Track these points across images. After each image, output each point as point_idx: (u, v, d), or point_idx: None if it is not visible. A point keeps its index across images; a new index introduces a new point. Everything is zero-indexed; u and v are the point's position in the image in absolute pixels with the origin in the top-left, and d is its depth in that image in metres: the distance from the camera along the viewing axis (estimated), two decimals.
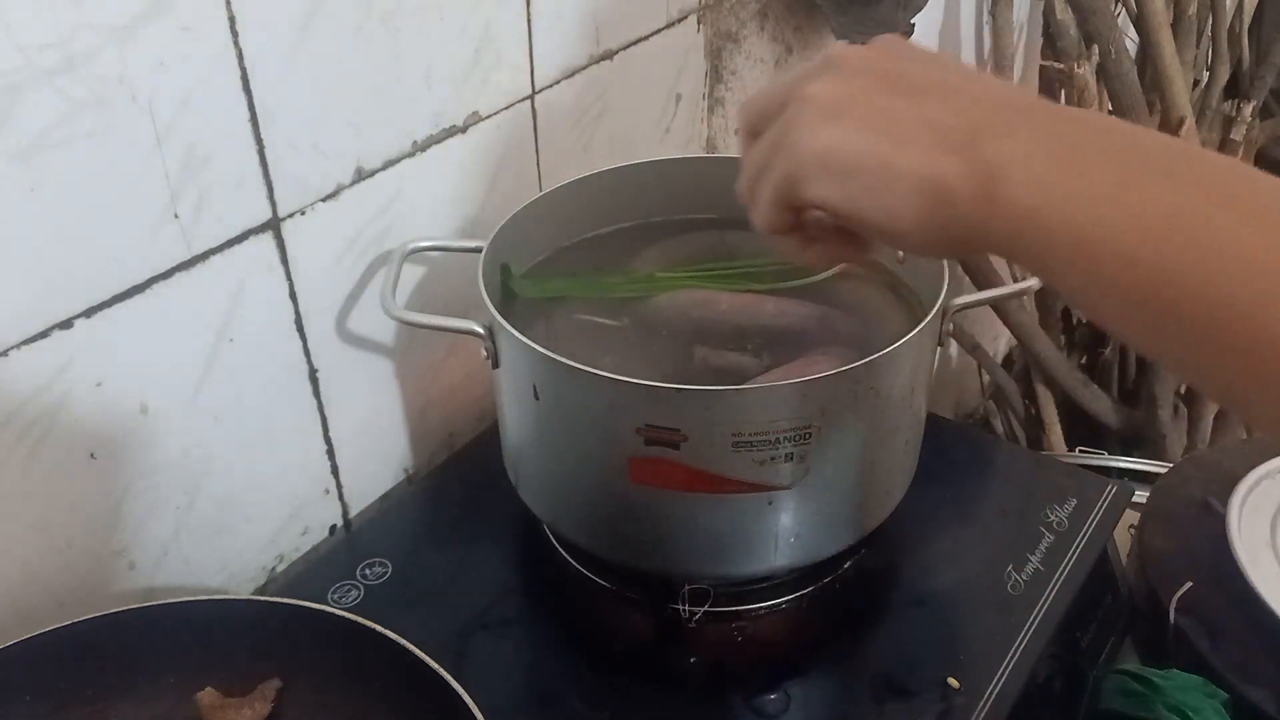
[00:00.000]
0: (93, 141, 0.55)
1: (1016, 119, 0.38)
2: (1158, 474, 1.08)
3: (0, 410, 0.57)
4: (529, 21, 0.77)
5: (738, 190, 0.47)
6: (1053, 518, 0.77)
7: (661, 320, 0.71)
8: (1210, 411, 1.51)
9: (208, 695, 0.61)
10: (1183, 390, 1.52)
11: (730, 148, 1.03)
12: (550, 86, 0.81)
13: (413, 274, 0.77)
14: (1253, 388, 0.33)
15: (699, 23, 0.93)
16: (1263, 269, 0.32)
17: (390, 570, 0.73)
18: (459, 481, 0.82)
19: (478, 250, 0.70)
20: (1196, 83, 1.51)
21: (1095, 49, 1.33)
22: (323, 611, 0.61)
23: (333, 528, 0.80)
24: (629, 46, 0.86)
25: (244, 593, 0.74)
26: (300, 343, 0.71)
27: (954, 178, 0.38)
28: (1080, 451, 1.30)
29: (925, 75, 0.41)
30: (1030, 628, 0.69)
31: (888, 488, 0.69)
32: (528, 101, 0.80)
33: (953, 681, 0.65)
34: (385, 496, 0.82)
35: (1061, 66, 1.39)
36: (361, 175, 0.70)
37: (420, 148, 0.73)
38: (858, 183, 0.40)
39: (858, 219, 0.41)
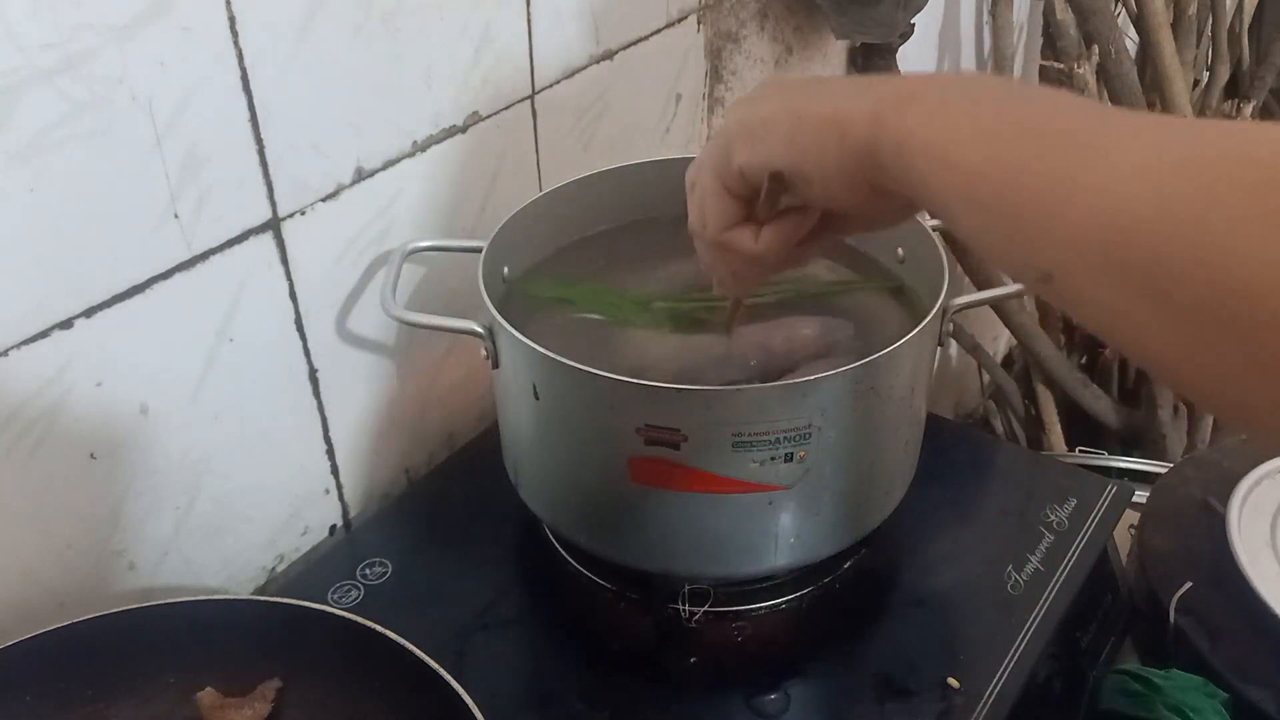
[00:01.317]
0: (93, 141, 0.55)
1: (910, 76, 0.46)
2: (1158, 474, 1.08)
3: (0, 410, 0.57)
4: (529, 21, 0.77)
5: (690, 229, 0.53)
6: (1053, 518, 0.77)
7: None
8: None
9: (208, 695, 0.61)
10: None
11: None
12: (550, 86, 0.81)
13: (413, 274, 0.77)
14: (1048, 250, 0.37)
15: (699, 23, 0.93)
16: (1063, 172, 0.36)
17: (390, 570, 0.73)
18: (459, 481, 0.82)
19: (478, 250, 0.69)
20: (1196, 83, 1.51)
21: (1095, 49, 1.33)
22: (323, 611, 0.61)
23: (333, 528, 0.80)
24: (629, 46, 0.86)
25: (244, 593, 0.74)
26: (300, 343, 0.71)
27: (854, 110, 0.44)
28: (1080, 451, 1.30)
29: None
30: (1030, 628, 0.69)
31: (888, 488, 0.69)
32: (528, 101, 0.80)
33: (953, 681, 0.65)
34: (385, 496, 0.82)
35: (1061, 66, 1.39)
36: (361, 175, 0.70)
37: (420, 148, 0.73)
38: (774, 134, 0.46)
39: (785, 171, 0.47)
